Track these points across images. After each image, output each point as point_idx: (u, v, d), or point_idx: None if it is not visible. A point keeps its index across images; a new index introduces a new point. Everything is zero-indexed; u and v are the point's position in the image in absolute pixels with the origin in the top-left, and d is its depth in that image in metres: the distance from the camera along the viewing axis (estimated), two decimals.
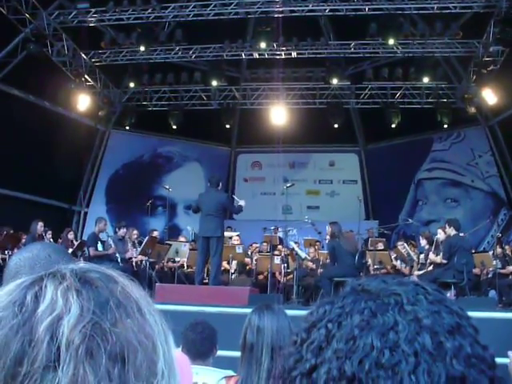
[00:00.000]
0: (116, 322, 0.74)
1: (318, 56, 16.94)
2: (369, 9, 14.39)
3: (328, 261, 12.56)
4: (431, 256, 11.61)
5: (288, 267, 13.33)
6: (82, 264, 0.82)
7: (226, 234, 13.12)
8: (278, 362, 2.71)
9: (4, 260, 11.64)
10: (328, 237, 12.57)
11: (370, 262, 12.91)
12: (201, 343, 3.85)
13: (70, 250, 11.68)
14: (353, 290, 0.84)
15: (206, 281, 11.47)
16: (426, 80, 16.94)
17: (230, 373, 3.40)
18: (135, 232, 13.38)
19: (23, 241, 12.51)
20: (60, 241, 13.17)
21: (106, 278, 0.79)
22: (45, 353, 0.70)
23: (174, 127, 18.96)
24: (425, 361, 0.73)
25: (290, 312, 3.06)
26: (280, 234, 14.56)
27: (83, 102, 17.15)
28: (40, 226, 12.34)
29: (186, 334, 3.83)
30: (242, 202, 11.47)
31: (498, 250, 12.83)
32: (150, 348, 0.76)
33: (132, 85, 18.22)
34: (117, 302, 0.76)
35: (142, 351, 0.74)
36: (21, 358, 0.70)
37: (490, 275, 12.36)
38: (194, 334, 3.85)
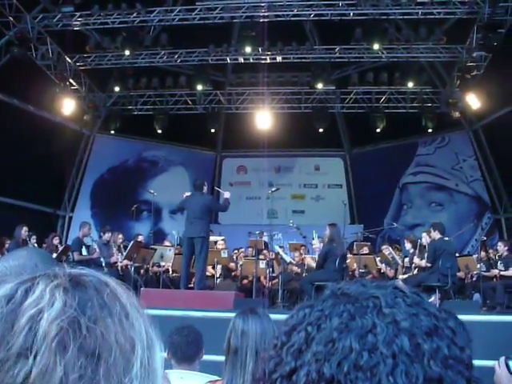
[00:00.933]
0: (96, 320, 0.76)
1: (303, 61, 16.97)
2: (354, 14, 14.45)
3: (313, 265, 12.55)
4: (416, 260, 11.67)
5: (273, 271, 13.34)
6: (77, 268, 0.84)
7: (212, 238, 13.10)
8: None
9: None
10: (315, 242, 12.60)
11: (355, 266, 12.95)
12: (186, 347, 3.84)
13: (55, 255, 11.61)
14: (332, 293, 0.85)
15: (191, 285, 11.45)
16: (410, 85, 17.06)
17: (215, 377, 3.39)
18: (120, 236, 13.33)
19: (7, 246, 12.41)
20: (44, 245, 13.07)
21: (97, 281, 0.81)
22: (21, 341, 0.72)
23: (159, 131, 18.91)
24: (403, 362, 0.74)
25: (275, 316, 3.06)
26: (265, 239, 14.56)
27: (68, 106, 17.07)
28: (24, 230, 12.25)
29: (171, 338, 3.83)
30: (226, 194, 11.48)
31: (482, 253, 12.91)
32: (128, 350, 0.77)
33: (117, 89, 18.17)
34: (101, 303, 0.78)
35: (119, 352, 0.76)
36: (0, 344, 0.73)
37: (474, 278, 12.43)
38: (180, 337, 3.84)
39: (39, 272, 0.81)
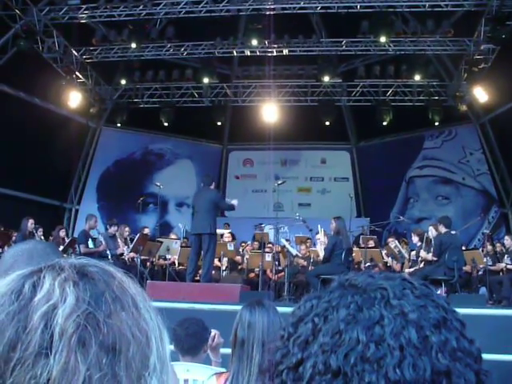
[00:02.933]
0: (111, 313, 0.75)
1: (310, 53, 16.94)
2: (360, 6, 14.39)
3: (319, 258, 12.54)
4: (422, 253, 11.65)
5: (279, 264, 13.34)
6: (81, 258, 0.83)
7: (218, 231, 13.12)
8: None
9: None
10: (320, 236, 12.56)
11: (361, 259, 12.93)
12: (185, 339, 3.87)
13: (61, 248, 11.65)
14: (340, 284, 0.85)
15: (198, 278, 11.47)
16: (417, 78, 16.99)
17: (221, 370, 3.40)
18: (127, 229, 13.33)
19: (14, 238, 12.45)
20: (51, 238, 13.12)
21: (103, 272, 0.80)
22: (38, 340, 0.71)
23: (166, 124, 18.91)
24: (410, 355, 0.74)
25: (281, 309, 3.06)
26: (267, 231, 14.59)
27: (74, 98, 17.09)
28: (30, 223, 12.28)
29: (174, 330, 3.87)
30: (234, 201, 11.49)
31: (489, 247, 12.89)
32: (144, 342, 0.77)
33: (123, 82, 18.19)
34: (113, 296, 0.77)
35: (135, 344, 0.75)
36: (14, 344, 0.71)
37: (480, 272, 12.41)
38: (180, 330, 3.88)
39: (42, 264, 0.80)
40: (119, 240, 12.55)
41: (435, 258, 10.94)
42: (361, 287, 0.82)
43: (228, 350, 3.03)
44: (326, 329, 0.78)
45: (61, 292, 0.75)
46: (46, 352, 0.71)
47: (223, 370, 3.41)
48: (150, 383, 0.76)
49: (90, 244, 11.91)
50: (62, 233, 13.32)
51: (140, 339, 0.76)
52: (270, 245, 14.09)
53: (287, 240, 13.88)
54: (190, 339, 3.87)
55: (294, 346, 0.81)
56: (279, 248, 13.41)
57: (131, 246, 12.42)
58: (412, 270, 11.94)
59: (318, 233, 12.95)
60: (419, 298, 0.80)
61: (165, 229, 17.52)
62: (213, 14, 14.97)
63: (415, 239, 12.65)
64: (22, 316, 0.73)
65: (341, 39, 16.51)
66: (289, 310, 0.90)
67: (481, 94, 15.87)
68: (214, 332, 3.92)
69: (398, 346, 0.74)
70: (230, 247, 13.30)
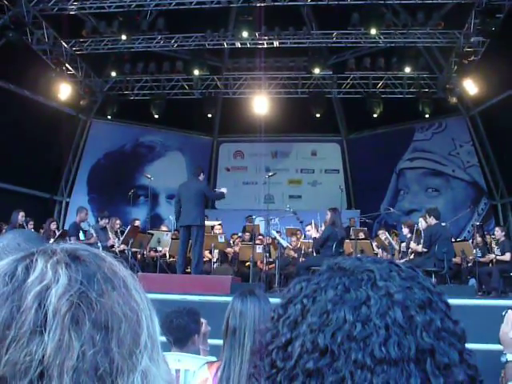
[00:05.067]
0: (102, 293, 0.78)
1: (301, 45, 16.95)
2: None
3: (310, 249, 12.58)
4: (412, 245, 11.71)
5: (270, 256, 13.37)
6: (71, 243, 0.86)
7: (208, 223, 13.13)
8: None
9: None
10: (309, 227, 12.58)
11: (351, 250, 12.98)
12: (170, 332, 3.86)
13: (52, 240, 11.62)
14: (329, 267, 0.88)
15: (188, 270, 11.48)
16: (407, 70, 17.03)
17: (212, 359, 3.43)
18: (118, 222, 13.31)
19: (4, 231, 12.41)
20: (42, 231, 13.08)
21: (94, 255, 0.83)
22: (32, 318, 0.73)
23: (156, 116, 18.86)
24: (395, 334, 0.77)
25: (272, 300, 3.08)
26: (257, 223, 14.62)
27: (64, 90, 17.01)
28: (21, 216, 12.24)
29: (163, 322, 3.86)
30: (223, 189, 11.50)
31: (478, 238, 12.96)
32: (135, 320, 0.79)
33: (114, 74, 18.13)
34: (104, 276, 0.80)
35: (127, 322, 0.78)
36: (9, 323, 0.73)
37: (470, 264, 12.49)
38: (167, 322, 3.86)
39: (35, 248, 0.82)
40: (110, 232, 12.54)
41: (425, 250, 11.01)
42: (349, 269, 0.85)
43: (219, 341, 3.06)
44: (314, 309, 0.81)
45: (53, 273, 0.77)
46: (40, 330, 0.73)
47: (214, 358, 3.43)
48: (141, 360, 0.78)
49: (81, 236, 11.91)
50: (53, 225, 13.27)
51: (131, 318, 0.79)
52: (260, 237, 14.12)
53: (278, 232, 13.91)
54: (175, 332, 3.86)
55: (283, 327, 0.84)
56: (270, 240, 13.44)
57: (122, 238, 12.41)
58: (402, 261, 12.00)
59: (308, 224, 12.97)
60: (405, 279, 0.83)
61: (156, 221, 17.53)
62: (203, 6, 14.92)
63: (405, 231, 12.71)
64: (15, 296, 0.75)
65: (331, 31, 16.50)
66: (279, 301, 0.93)
67: (471, 87, 15.92)
68: (201, 320, 3.94)
69: (384, 325, 0.77)
70: (221, 239, 13.32)
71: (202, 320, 3.96)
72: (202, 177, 11.32)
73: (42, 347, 0.72)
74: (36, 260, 0.79)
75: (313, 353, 0.78)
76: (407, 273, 0.85)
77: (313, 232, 12.11)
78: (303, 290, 0.86)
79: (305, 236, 13.93)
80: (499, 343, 2.50)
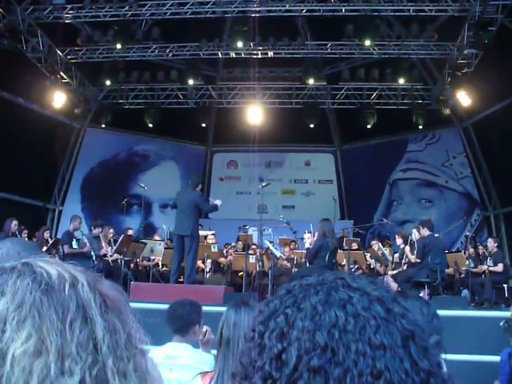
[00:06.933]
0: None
1: (295, 56, 16.99)
2: (346, 10, 14.45)
3: (303, 260, 12.58)
4: (409, 254, 11.68)
5: (263, 266, 13.36)
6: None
7: (201, 232, 13.12)
8: None
9: None
10: (306, 235, 12.61)
11: (344, 261, 12.98)
12: (172, 321, 4.14)
13: (45, 248, 11.59)
14: (295, 286, 0.95)
15: (181, 280, 11.47)
16: (401, 81, 17.11)
17: (207, 365, 3.42)
18: (111, 231, 13.29)
19: None
20: (35, 239, 13.05)
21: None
22: None
23: (150, 126, 18.86)
24: (382, 324, 0.86)
25: None
26: (251, 233, 14.61)
27: (59, 99, 16.98)
28: (14, 224, 12.19)
29: (167, 311, 4.23)
30: (217, 202, 11.49)
31: (471, 249, 12.99)
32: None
33: (108, 83, 18.11)
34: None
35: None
36: None
37: (462, 275, 12.51)
38: (170, 311, 4.21)
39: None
40: (103, 241, 12.51)
41: (418, 260, 11.03)
42: (317, 283, 0.93)
43: (213, 351, 3.06)
44: (302, 315, 0.88)
45: None
46: None
47: (208, 369, 3.43)
48: None
49: (75, 245, 11.87)
50: (47, 234, 13.24)
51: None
52: (254, 246, 14.11)
53: (271, 242, 13.90)
54: (176, 321, 4.11)
55: (270, 340, 0.89)
56: (263, 250, 13.43)
57: (115, 247, 12.39)
58: (395, 272, 12.01)
59: (305, 233, 13.03)
60: (371, 282, 0.94)
61: (149, 230, 17.48)
62: (198, 16, 14.96)
63: (399, 241, 12.73)
64: None
65: (326, 42, 16.57)
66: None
67: (464, 98, 15.99)
68: (205, 328, 4.12)
69: (372, 316, 0.87)
70: (214, 249, 13.30)
71: (206, 327, 4.15)
72: (199, 188, 11.36)
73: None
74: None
75: (314, 351, 0.85)
76: (368, 279, 0.96)
77: (311, 240, 12.11)
78: (281, 305, 0.92)
79: (299, 246, 13.95)
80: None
